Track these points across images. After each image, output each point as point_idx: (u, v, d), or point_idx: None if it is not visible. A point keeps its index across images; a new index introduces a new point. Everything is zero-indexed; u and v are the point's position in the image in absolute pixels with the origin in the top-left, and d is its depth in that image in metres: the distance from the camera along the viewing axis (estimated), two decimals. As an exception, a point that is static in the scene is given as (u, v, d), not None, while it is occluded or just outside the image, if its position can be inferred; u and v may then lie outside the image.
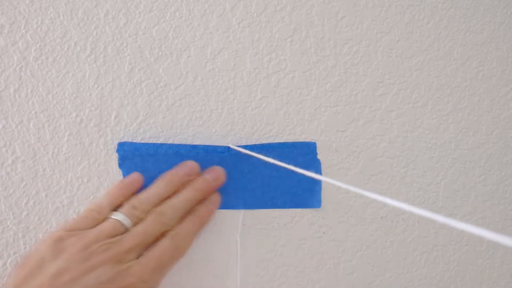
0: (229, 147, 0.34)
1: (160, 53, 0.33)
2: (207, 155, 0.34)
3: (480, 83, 0.39)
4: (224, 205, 0.35)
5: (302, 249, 0.36)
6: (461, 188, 0.39)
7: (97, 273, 0.27)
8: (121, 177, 0.33)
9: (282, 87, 0.36)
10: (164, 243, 0.30)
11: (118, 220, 0.30)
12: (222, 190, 0.34)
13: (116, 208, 0.31)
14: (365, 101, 0.37)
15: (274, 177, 0.35)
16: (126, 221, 0.30)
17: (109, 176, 0.33)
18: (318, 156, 0.36)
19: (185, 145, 0.33)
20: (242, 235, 0.35)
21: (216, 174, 0.33)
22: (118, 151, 0.33)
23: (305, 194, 0.36)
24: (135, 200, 0.31)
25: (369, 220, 0.38)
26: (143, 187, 0.32)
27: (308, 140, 0.36)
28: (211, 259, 0.35)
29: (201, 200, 0.33)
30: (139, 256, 0.30)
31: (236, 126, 0.35)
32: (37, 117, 0.32)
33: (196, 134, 0.34)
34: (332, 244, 0.37)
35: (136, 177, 0.32)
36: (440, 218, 0.18)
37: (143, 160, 0.33)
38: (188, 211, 0.32)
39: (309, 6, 0.36)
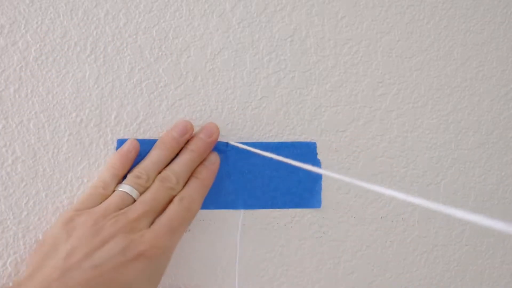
0: (227, 143, 0.34)
1: (160, 53, 0.33)
2: None
3: (480, 83, 0.39)
4: (224, 205, 0.35)
5: (302, 249, 0.36)
6: (461, 188, 0.39)
7: (109, 246, 0.27)
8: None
9: (282, 87, 0.36)
10: (173, 208, 0.30)
11: (124, 192, 0.30)
12: (222, 190, 0.34)
13: (120, 180, 0.31)
14: (365, 101, 0.37)
15: (274, 177, 0.35)
16: (133, 192, 0.30)
17: (109, 176, 0.33)
18: (318, 156, 0.36)
19: None
20: (242, 235, 0.35)
21: (210, 130, 0.33)
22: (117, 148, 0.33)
23: (305, 194, 0.36)
24: (137, 170, 0.31)
25: (369, 220, 0.38)
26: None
27: (308, 140, 0.36)
28: (211, 259, 0.35)
29: (202, 161, 0.33)
30: (150, 224, 0.29)
31: (236, 126, 0.35)
32: (37, 117, 0.32)
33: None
34: (332, 244, 0.37)
35: (132, 144, 0.32)
36: (438, 207, 0.18)
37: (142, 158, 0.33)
38: (191, 173, 0.32)
39: (309, 6, 0.36)
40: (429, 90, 0.38)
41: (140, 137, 0.33)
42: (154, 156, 0.31)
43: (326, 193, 0.36)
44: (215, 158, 0.33)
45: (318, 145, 0.36)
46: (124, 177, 0.32)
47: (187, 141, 0.32)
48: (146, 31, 0.33)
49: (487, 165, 0.40)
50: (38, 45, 0.32)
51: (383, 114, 0.38)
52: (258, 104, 0.35)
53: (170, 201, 0.30)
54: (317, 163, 0.36)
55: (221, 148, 0.34)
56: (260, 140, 0.35)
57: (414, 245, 0.39)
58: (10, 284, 0.31)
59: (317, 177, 0.36)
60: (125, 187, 0.30)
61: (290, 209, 0.36)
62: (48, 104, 0.32)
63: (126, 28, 0.33)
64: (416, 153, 0.38)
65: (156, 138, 0.33)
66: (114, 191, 0.30)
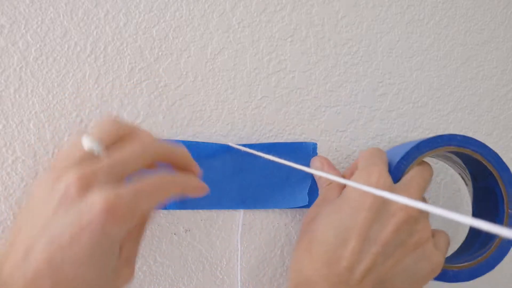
0: (228, 145, 0.34)
1: (160, 53, 0.33)
2: (206, 153, 0.34)
3: (480, 83, 0.39)
4: (224, 205, 0.35)
5: (302, 249, 0.36)
6: (461, 188, 0.39)
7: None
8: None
9: (282, 87, 0.36)
10: (149, 180, 0.25)
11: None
12: (222, 190, 0.34)
13: None
14: (365, 101, 0.37)
15: (274, 177, 0.35)
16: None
17: (109, 176, 0.33)
18: (318, 156, 0.36)
19: (184, 142, 0.33)
20: (242, 235, 0.35)
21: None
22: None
23: (305, 194, 0.36)
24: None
25: (369, 220, 0.38)
26: None
27: (308, 140, 0.36)
28: (211, 259, 0.35)
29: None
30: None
31: (236, 126, 0.35)
32: (37, 117, 0.32)
33: (196, 134, 0.34)
34: (332, 244, 0.37)
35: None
36: (436, 210, 0.18)
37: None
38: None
39: (309, 6, 0.36)
40: (429, 90, 0.38)
41: (140, 137, 0.33)
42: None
43: (326, 193, 0.36)
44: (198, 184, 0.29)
45: (318, 145, 0.36)
46: None
47: None
48: (146, 31, 0.33)
49: (487, 165, 0.40)
50: (38, 45, 0.32)
51: (383, 114, 0.38)
52: (258, 104, 0.35)
53: None
54: (317, 163, 0.36)
55: (222, 150, 0.34)
56: (260, 140, 0.35)
57: (414, 245, 0.39)
58: None
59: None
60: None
61: (290, 209, 0.36)
62: (48, 104, 0.32)
63: (126, 28, 0.33)
64: (416, 153, 0.38)
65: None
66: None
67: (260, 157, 0.33)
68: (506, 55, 0.40)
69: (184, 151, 0.28)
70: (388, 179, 0.29)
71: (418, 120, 0.38)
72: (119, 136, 0.26)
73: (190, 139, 0.34)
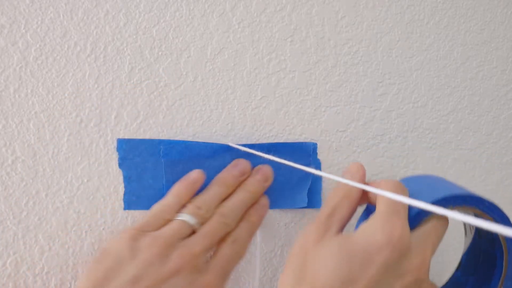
0: (228, 145, 0.34)
1: (160, 53, 0.33)
2: (206, 153, 0.34)
3: (480, 83, 0.39)
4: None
5: (302, 249, 0.36)
6: (461, 188, 0.39)
7: (174, 281, 0.28)
8: (121, 177, 0.33)
9: (282, 87, 0.36)
10: (227, 250, 0.31)
11: (185, 221, 0.30)
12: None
13: (180, 208, 0.32)
14: (365, 101, 0.37)
15: (275, 177, 0.35)
16: (194, 221, 0.30)
17: (109, 176, 0.33)
18: (318, 156, 0.36)
19: (184, 141, 0.33)
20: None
21: (266, 174, 0.34)
22: (118, 149, 0.33)
23: (305, 194, 0.36)
24: (198, 201, 0.31)
25: (369, 220, 0.38)
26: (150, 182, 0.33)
27: (308, 140, 0.36)
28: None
29: (253, 203, 0.33)
30: (207, 260, 0.30)
31: (236, 126, 0.35)
32: (37, 117, 0.32)
33: (196, 134, 0.34)
34: (332, 244, 0.37)
35: (199, 175, 0.33)
36: (438, 210, 0.18)
37: (143, 161, 0.33)
38: (243, 214, 0.33)
39: (309, 6, 0.36)
40: (429, 90, 0.38)
41: (140, 137, 0.33)
42: (214, 191, 0.32)
43: (326, 193, 0.36)
44: (265, 202, 0.34)
45: (318, 145, 0.36)
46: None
47: (244, 180, 0.33)
48: (146, 31, 0.33)
49: (487, 165, 0.40)
50: (38, 45, 0.32)
51: (383, 114, 0.38)
52: (258, 104, 0.35)
53: (223, 238, 0.32)
54: (317, 163, 0.36)
55: (222, 150, 0.34)
56: (260, 140, 0.35)
57: (414, 245, 0.39)
58: None
59: (317, 177, 0.36)
60: (186, 217, 0.31)
61: (290, 209, 0.36)
62: (48, 104, 0.32)
63: (126, 28, 0.33)
64: (416, 153, 0.38)
65: (157, 138, 0.33)
66: (175, 219, 0.31)
67: (260, 157, 0.33)
68: (506, 55, 0.40)
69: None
70: (408, 236, 0.26)
71: (418, 120, 0.38)
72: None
73: (190, 139, 0.34)
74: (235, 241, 0.31)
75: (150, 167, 0.33)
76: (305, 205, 0.36)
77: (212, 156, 0.34)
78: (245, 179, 0.33)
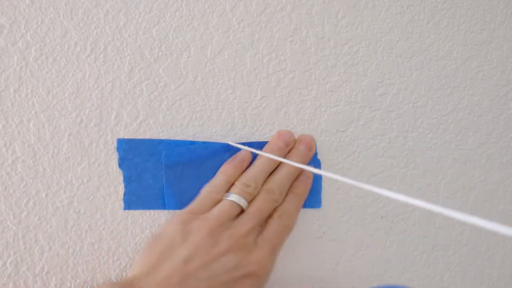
0: (228, 144, 0.34)
1: (160, 53, 0.33)
2: (206, 153, 0.34)
3: (480, 83, 0.39)
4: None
5: (302, 249, 0.36)
6: (461, 188, 0.39)
7: (224, 260, 0.29)
8: (121, 177, 0.33)
9: (282, 87, 0.36)
10: (274, 225, 0.32)
11: (233, 202, 0.31)
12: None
13: (229, 187, 0.32)
14: (365, 101, 0.37)
15: (274, 177, 0.35)
16: (242, 202, 0.31)
17: (109, 176, 0.33)
18: (318, 156, 0.36)
19: (184, 141, 0.34)
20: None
21: (309, 144, 0.34)
22: (118, 149, 0.33)
23: (305, 194, 0.36)
24: (245, 179, 0.32)
25: (369, 220, 0.38)
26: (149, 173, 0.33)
27: (308, 140, 0.36)
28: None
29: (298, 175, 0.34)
30: (255, 237, 0.31)
31: (236, 126, 0.35)
32: (37, 117, 0.32)
33: (196, 134, 0.34)
34: (332, 244, 0.37)
35: (246, 154, 0.33)
36: (436, 209, 0.18)
37: (143, 161, 0.33)
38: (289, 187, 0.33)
39: (309, 6, 0.36)
40: (429, 90, 0.38)
41: (140, 137, 0.33)
42: (262, 165, 0.33)
43: (326, 193, 0.36)
44: (309, 173, 0.34)
45: (318, 145, 0.36)
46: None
47: (289, 151, 0.34)
48: (146, 31, 0.33)
49: (487, 165, 0.40)
50: (38, 45, 0.32)
51: (383, 114, 0.38)
52: (258, 104, 0.35)
53: (271, 213, 0.32)
54: (317, 163, 0.36)
55: (222, 149, 0.34)
56: (260, 140, 0.35)
57: (414, 245, 0.39)
58: (124, 275, 0.32)
59: (317, 177, 0.36)
60: (235, 197, 0.31)
61: (290, 209, 0.36)
62: (48, 104, 0.32)
63: (126, 28, 0.33)
64: (416, 153, 0.38)
65: (156, 138, 0.33)
66: (224, 199, 0.32)
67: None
68: (506, 55, 0.40)
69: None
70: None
71: (418, 120, 0.38)
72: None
73: (190, 139, 0.34)
74: (282, 215, 0.32)
75: (150, 167, 0.33)
76: (305, 205, 0.36)
77: (212, 156, 0.34)
78: (290, 150, 0.34)
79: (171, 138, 0.34)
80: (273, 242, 0.31)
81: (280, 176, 0.33)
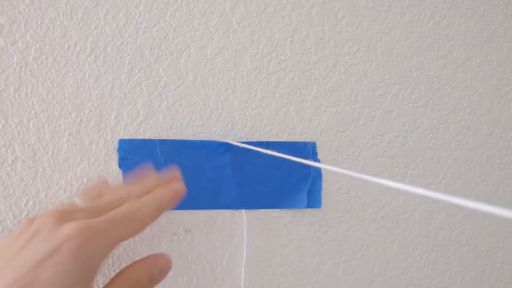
0: (227, 143, 0.34)
1: (160, 53, 0.33)
2: (206, 152, 0.34)
3: (480, 83, 0.39)
4: (225, 205, 0.35)
5: (302, 249, 0.36)
6: (461, 188, 0.39)
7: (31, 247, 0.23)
8: (121, 177, 0.33)
9: (282, 87, 0.36)
10: (121, 207, 0.26)
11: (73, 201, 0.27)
12: (222, 190, 0.34)
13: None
14: (365, 101, 0.37)
15: (274, 177, 0.35)
16: (80, 200, 0.26)
17: (109, 176, 0.33)
18: (318, 156, 0.36)
19: (184, 141, 0.34)
20: (242, 235, 0.35)
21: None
22: (119, 149, 0.33)
23: (305, 194, 0.36)
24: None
25: (369, 220, 0.38)
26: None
27: (308, 140, 0.36)
28: (211, 260, 0.35)
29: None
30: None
31: (236, 126, 0.35)
32: (37, 117, 0.32)
33: (196, 134, 0.34)
34: (332, 244, 0.37)
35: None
36: (438, 196, 0.18)
37: (143, 161, 0.33)
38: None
39: (309, 6, 0.36)
40: (429, 90, 0.38)
41: (140, 137, 0.33)
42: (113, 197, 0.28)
43: (326, 193, 0.36)
44: (179, 187, 0.30)
45: (318, 145, 0.36)
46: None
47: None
48: (146, 31, 0.33)
49: (487, 165, 0.40)
50: (38, 45, 0.31)
51: (383, 114, 0.38)
52: (258, 104, 0.35)
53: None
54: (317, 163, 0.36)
55: (221, 148, 0.34)
56: (260, 140, 0.35)
57: (414, 245, 0.39)
58: None
59: (317, 177, 0.36)
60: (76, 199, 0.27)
61: (290, 209, 0.36)
62: (48, 104, 0.32)
63: (126, 28, 0.33)
64: (416, 153, 0.38)
65: (156, 138, 0.33)
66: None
67: (260, 158, 0.33)
68: (506, 55, 0.40)
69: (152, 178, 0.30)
70: None
71: (418, 120, 0.38)
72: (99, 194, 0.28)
73: (190, 139, 0.34)
74: (133, 202, 0.26)
75: (150, 167, 0.33)
76: (305, 205, 0.36)
77: (212, 156, 0.34)
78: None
79: (171, 138, 0.34)
80: (110, 216, 0.25)
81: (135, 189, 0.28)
